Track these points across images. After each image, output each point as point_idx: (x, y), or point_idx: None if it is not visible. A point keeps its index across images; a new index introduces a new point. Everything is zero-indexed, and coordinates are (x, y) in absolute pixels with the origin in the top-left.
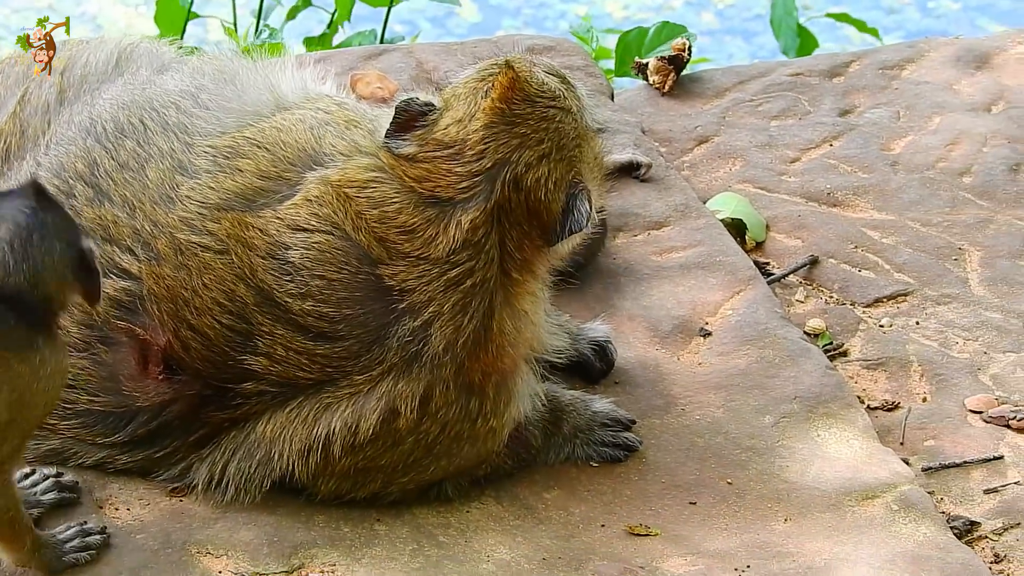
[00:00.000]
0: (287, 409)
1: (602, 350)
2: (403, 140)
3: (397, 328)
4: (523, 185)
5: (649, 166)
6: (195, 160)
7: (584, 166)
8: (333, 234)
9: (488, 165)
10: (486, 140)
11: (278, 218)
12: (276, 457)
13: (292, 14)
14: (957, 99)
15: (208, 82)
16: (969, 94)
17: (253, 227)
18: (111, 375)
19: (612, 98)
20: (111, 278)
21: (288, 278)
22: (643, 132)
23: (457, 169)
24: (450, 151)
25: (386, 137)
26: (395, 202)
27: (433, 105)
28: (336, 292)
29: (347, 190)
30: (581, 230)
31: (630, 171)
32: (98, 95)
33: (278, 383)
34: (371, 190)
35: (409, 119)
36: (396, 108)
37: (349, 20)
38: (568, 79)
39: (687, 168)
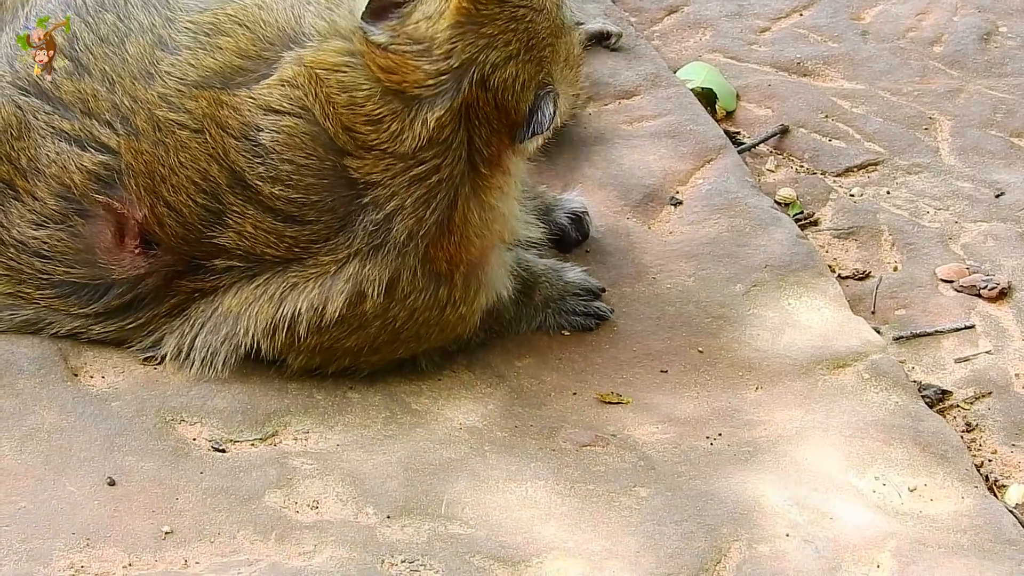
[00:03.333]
0: (253, 284)
1: (578, 220)
2: (377, 27)
3: (362, 217)
4: (490, 85)
5: (619, 35)
6: (175, 36)
7: (555, 66)
8: (302, 117)
9: (455, 64)
10: (453, 40)
11: (252, 98)
12: (242, 332)
13: None
14: None
15: None
16: None
17: (228, 106)
18: (87, 247)
19: None
20: (90, 151)
21: (259, 160)
22: (613, 2)
23: (425, 67)
24: (419, 47)
25: (361, 19)
26: (364, 89)
27: None
28: (304, 178)
29: (319, 71)
30: (544, 132)
31: (600, 40)
32: None
33: (246, 259)
34: (342, 74)
35: (383, 7)
36: None
37: None
38: None
39: (657, 38)
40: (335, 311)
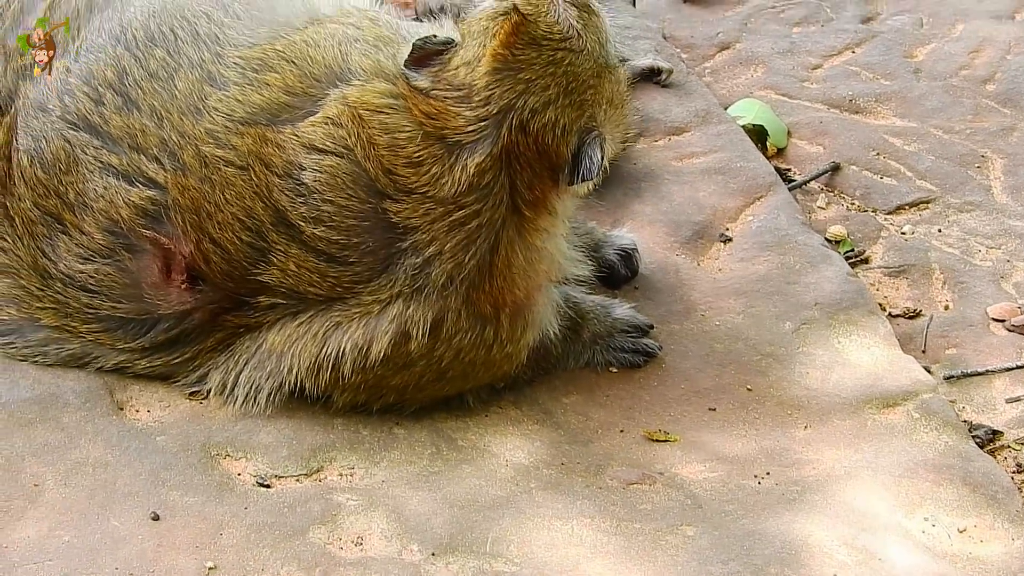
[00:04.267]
0: (297, 322)
1: (628, 257)
2: (419, 73)
3: (403, 260)
4: (530, 130)
5: (670, 72)
6: (224, 71)
7: (599, 107)
8: (345, 157)
9: (494, 111)
10: (491, 86)
11: (296, 136)
12: (285, 370)
13: None
14: (981, 6)
15: None
16: (992, 1)
17: (273, 143)
18: (134, 282)
19: (634, 3)
20: (137, 187)
21: (301, 200)
22: (664, 38)
23: (466, 112)
24: (459, 93)
25: (403, 66)
26: (405, 132)
27: (451, 41)
28: (345, 219)
29: (362, 112)
30: (593, 178)
31: (651, 76)
32: (128, 2)
33: (289, 296)
34: (384, 116)
35: (426, 54)
36: (413, 45)
37: None
38: (591, 7)
39: (708, 74)
40: (380, 351)
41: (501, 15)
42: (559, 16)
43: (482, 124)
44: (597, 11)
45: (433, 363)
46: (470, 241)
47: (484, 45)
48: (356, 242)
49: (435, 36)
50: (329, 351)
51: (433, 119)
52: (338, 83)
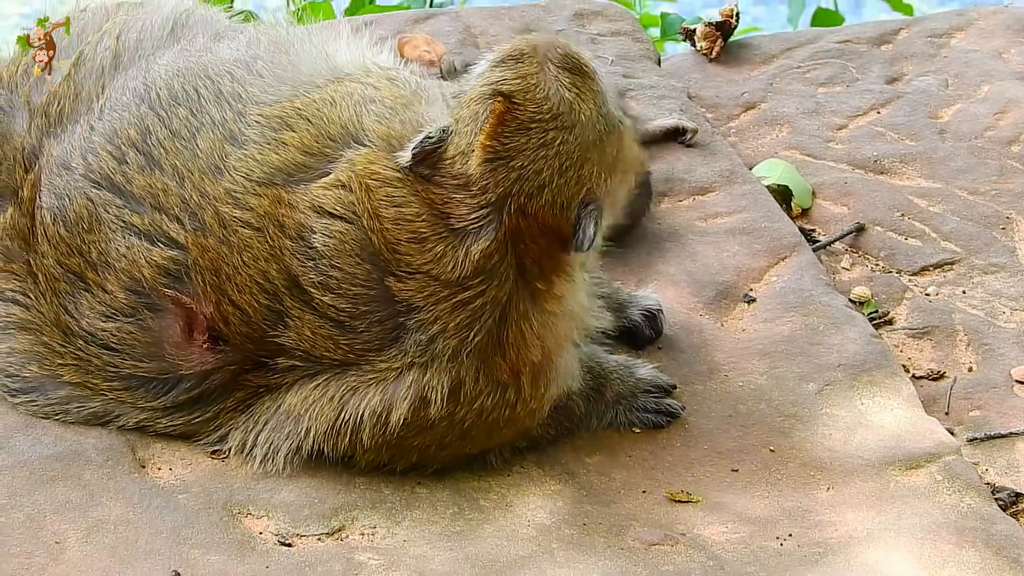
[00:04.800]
0: (313, 384)
1: (653, 318)
2: (420, 164)
3: (409, 336)
4: (529, 212)
5: (695, 131)
6: (245, 130)
7: (599, 178)
8: (353, 223)
9: (492, 199)
10: (485, 176)
11: (308, 198)
12: (303, 433)
13: None
14: (1006, 67)
15: (263, 51)
16: (1018, 63)
17: (286, 204)
18: (156, 341)
19: (659, 63)
20: (159, 246)
21: (311, 264)
22: (689, 97)
23: (467, 200)
24: (457, 182)
25: (404, 166)
26: (412, 207)
27: (447, 131)
28: (353, 288)
29: (369, 181)
30: (591, 249)
31: (675, 136)
32: (153, 61)
33: (306, 358)
34: (392, 189)
35: (426, 155)
36: (412, 151)
37: None
38: (585, 69)
39: (733, 134)
40: (399, 417)
41: (488, 98)
42: (548, 91)
43: (483, 211)
44: (592, 72)
45: (455, 423)
46: (474, 319)
47: (474, 134)
48: (364, 311)
49: (430, 135)
50: (347, 417)
51: (437, 204)
52: (352, 145)
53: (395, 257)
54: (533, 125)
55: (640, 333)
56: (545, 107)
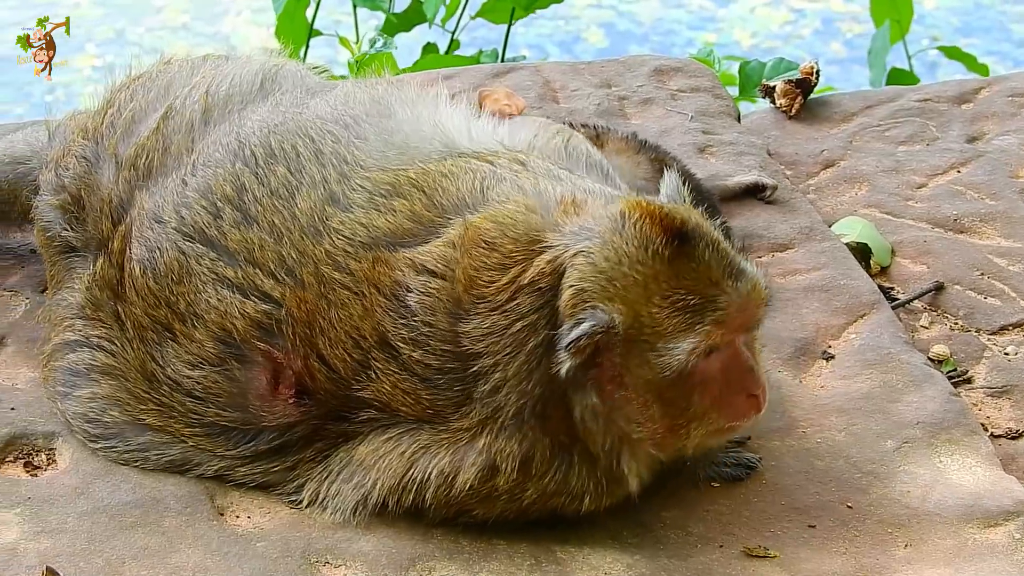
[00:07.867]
0: (386, 436)
1: None
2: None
3: (477, 388)
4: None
5: (774, 188)
6: (349, 193)
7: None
8: (447, 280)
9: None
10: None
11: (410, 259)
12: (370, 484)
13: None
14: None
15: (362, 112)
16: None
17: (385, 263)
18: (241, 392)
19: (739, 119)
20: (252, 300)
21: (403, 322)
22: (769, 154)
23: None
24: None
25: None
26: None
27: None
28: (440, 343)
29: (472, 233)
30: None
31: (755, 193)
32: (245, 116)
33: (383, 410)
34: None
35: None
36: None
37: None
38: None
39: (812, 191)
40: (465, 482)
41: None
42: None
43: None
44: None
45: (515, 500)
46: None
47: None
48: (448, 367)
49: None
50: (414, 475)
51: None
52: (467, 212)
53: (471, 295)
54: None
55: None
56: None
